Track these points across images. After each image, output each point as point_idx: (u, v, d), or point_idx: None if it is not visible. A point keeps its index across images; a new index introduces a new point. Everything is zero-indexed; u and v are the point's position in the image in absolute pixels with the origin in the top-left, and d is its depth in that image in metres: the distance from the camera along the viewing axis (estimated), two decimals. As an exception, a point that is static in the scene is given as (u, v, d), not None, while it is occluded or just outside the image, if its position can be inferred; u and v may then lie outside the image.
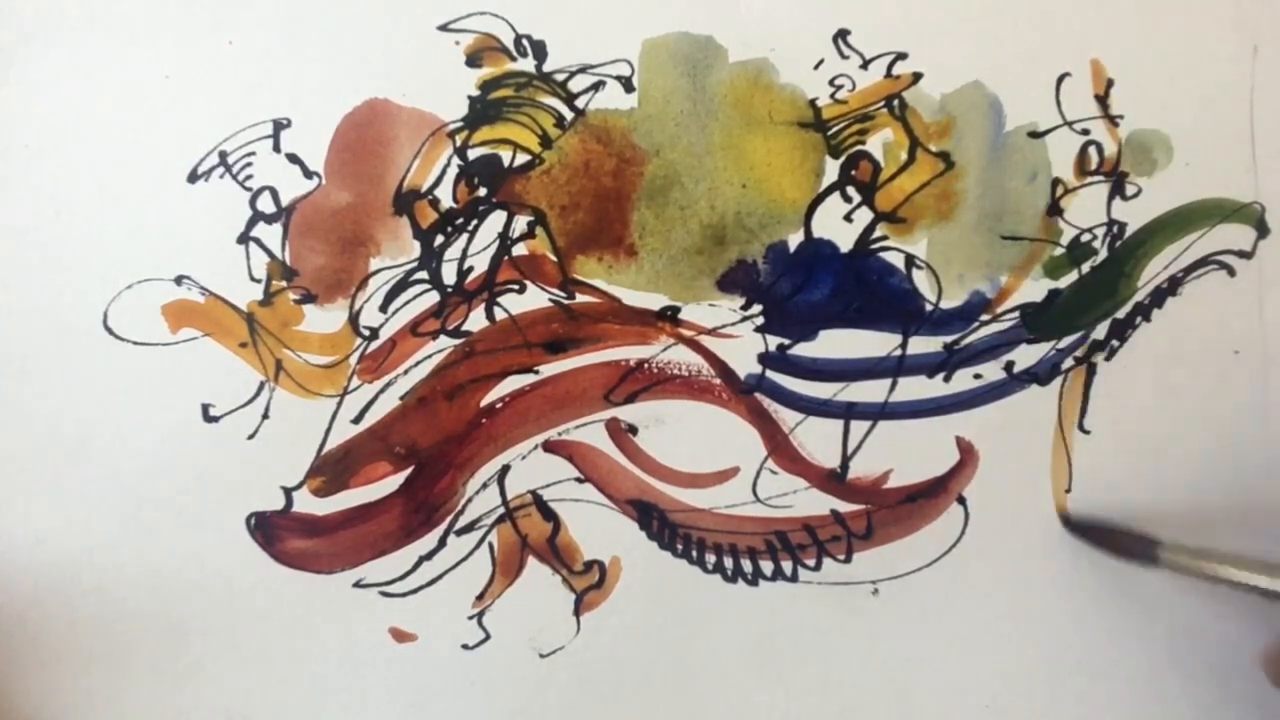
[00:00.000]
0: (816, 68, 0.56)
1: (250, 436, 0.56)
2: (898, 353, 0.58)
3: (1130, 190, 0.58)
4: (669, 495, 0.58)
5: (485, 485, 0.57)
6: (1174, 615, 0.59)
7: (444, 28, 0.55)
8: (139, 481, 0.56)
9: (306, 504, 0.56)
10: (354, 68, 0.55)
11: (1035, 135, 0.58)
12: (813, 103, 0.57)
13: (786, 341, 0.58)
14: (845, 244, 0.57)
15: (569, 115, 0.56)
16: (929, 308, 0.58)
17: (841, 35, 0.56)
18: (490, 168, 0.56)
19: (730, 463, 0.58)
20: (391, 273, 0.56)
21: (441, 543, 0.57)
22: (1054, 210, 0.58)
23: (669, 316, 0.57)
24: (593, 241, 0.57)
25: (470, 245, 0.56)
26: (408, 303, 0.56)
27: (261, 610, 0.57)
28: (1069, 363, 0.59)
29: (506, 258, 0.56)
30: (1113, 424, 0.59)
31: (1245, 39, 0.58)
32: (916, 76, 0.57)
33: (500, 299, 0.56)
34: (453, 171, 0.56)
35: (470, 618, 0.58)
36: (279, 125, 0.55)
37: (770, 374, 0.58)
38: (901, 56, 0.57)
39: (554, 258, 0.56)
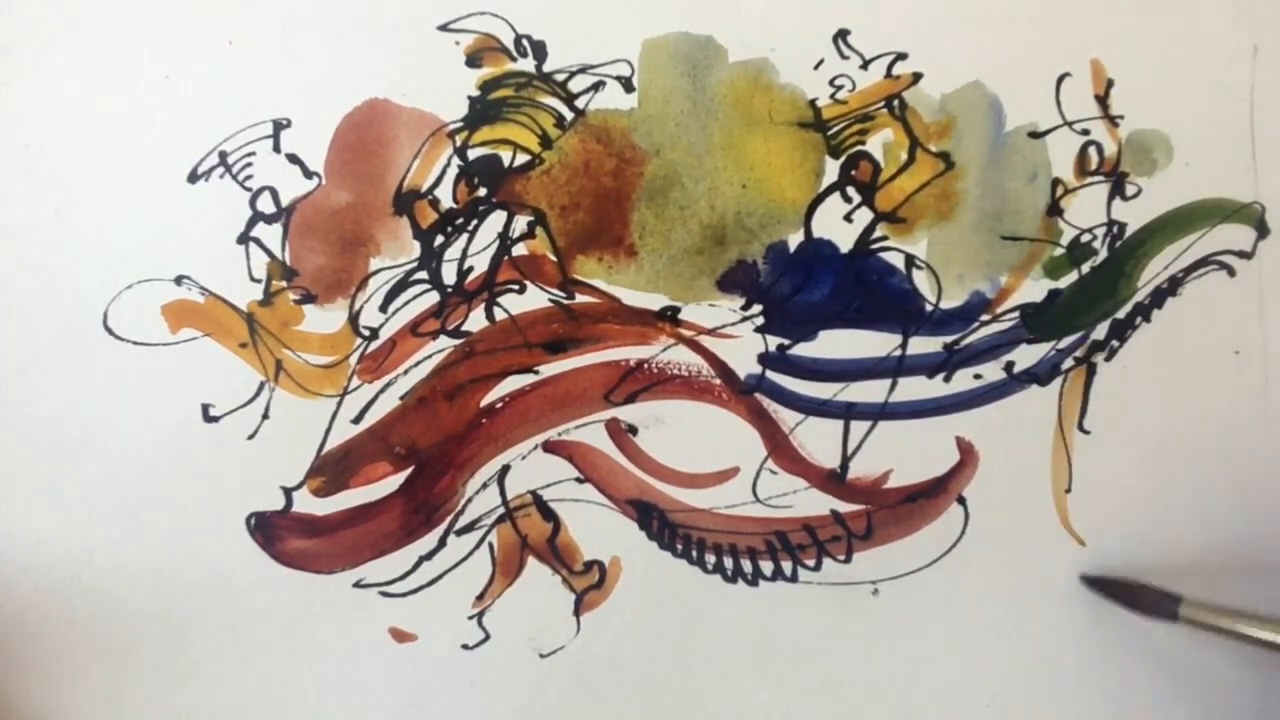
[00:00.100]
0: (816, 68, 0.56)
1: (250, 436, 0.56)
2: (898, 353, 0.58)
3: (1130, 190, 0.58)
4: (669, 495, 0.58)
5: (485, 485, 0.57)
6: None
7: (444, 28, 0.55)
8: (139, 481, 0.56)
9: (306, 504, 0.56)
10: (354, 68, 0.55)
11: (1035, 135, 0.58)
12: (813, 103, 0.57)
13: (786, 341, 0.58)
14: (845, 244, 0.57)
15: (569, 115, 0.56)
16: (929, 308, 0.58)
17: (841, 35, 0.56)
18: (490, 168, 0.56)
19: (730, 463, 0.58)
20: (391, 273, 0.56)
21: (441, 543, 0.57)
22: (1054, 210, 0.58)
23: (669, 316, 0.57)
24: (593, 241, 0.57)
25: (470, 245, 0.56)
26: (408, 303, 0.56)
27: (261, 610, 0.57)
28: (1069, 363, 0.59)
29: (506, 258, 0.56)
30: (1113, 424, 0.59)
31: (1245, 39, 0.58)
32: (916, 76, 0.57)
33: (500, 299, 0.56)
34: (453, 171, 0.56)
35: (470, 618, 0.58)
36: (279, 125, 0.55)
37: (770, 374, 0.58)
38: (901, 56, 0.57)
39: (554, 258, 0.56)
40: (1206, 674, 0.60)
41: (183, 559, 0.56)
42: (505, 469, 0.57)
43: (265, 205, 0.55)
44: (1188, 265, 0.59)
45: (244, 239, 0.55)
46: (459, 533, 0.57)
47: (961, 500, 0.59)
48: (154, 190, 0.55)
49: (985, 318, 0.58)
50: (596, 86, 0.56)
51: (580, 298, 0.57)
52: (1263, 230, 0.59)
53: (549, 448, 0.57)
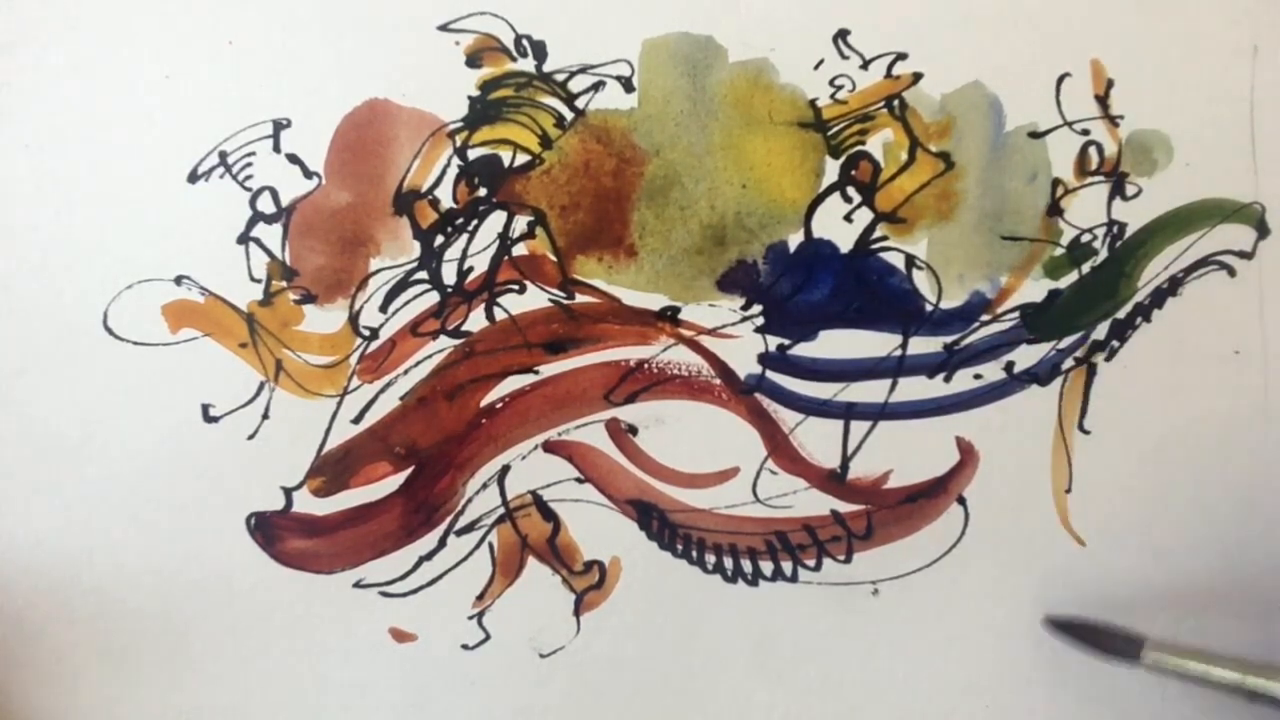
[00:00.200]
0: (816, 68, 0.56)
1: (250, 436, 0.56)
2: (898, 353, 0.58)
3: (1130, 190, 0.58)
4: (669, 495, 0.58)
5: (485, 485, 0.57)
6: (1174, 615, 0.59)
7: (444, 28, 0.55)
8: (139, 481, 0.56)
9: (306, 504, 0.56)
10: (354, 68, 0.55)
11: (1035, 135, 0.58)
12: (813, 103, 0.57)
13: (786, 341, 0.58)
14: (845, 244, 0.57)
15: (569, 115, 0.56)
16: (929, 308, 0.58)
17: (841, 35, 0.56)
18: (490, 168, 0.56)
19: (730, 463, 0.58)
20: (391, 273, 0.56)
21: (441, 543, 0.57)
22: (1054, 210, 0.58)
23: (669, 316, 0.57)
24: (593, 241, 0.57)
25: (470, 245, 0.56)
26: (408, 303, 0.56)
27: (261, 610, 0.57)
28: (1069, 363, 0.59)
29: (506, 258, 0.56)
30: (1113, 424, 0.59)
31: (1245, 39, 0.58)
32: (916, 76, 0.57)
33: (500, 299, 0.56)
34: (453, 171, 0.56)
35: (470, 618, 0.58)
36: (279, 125, 0.55)
37: (770, 374, 0.58)
38: (901, 56, 0.57)
39: (554, 258, 0.56)
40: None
41: (183, 559, 0.56)
42: (505, 469, 0.57)
43: (265, 205, 0.55)
44: (1188, 265, 0.59)
45: (244, 239, 0.55)
46: (459, 533, 0.57)
47: (961, 500, 0.59)
48: (154, 190, 0.55)
49: (985, 318, 0.58)
50: (596, 86, 0.56)
51: (580, 298, 0.57)
52: (1263, 230, 0.59)
53: (549, 448, 0.57)
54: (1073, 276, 0.58)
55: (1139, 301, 0.59)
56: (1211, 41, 0.58)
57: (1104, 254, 0.58)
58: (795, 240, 0.57)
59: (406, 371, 0.56)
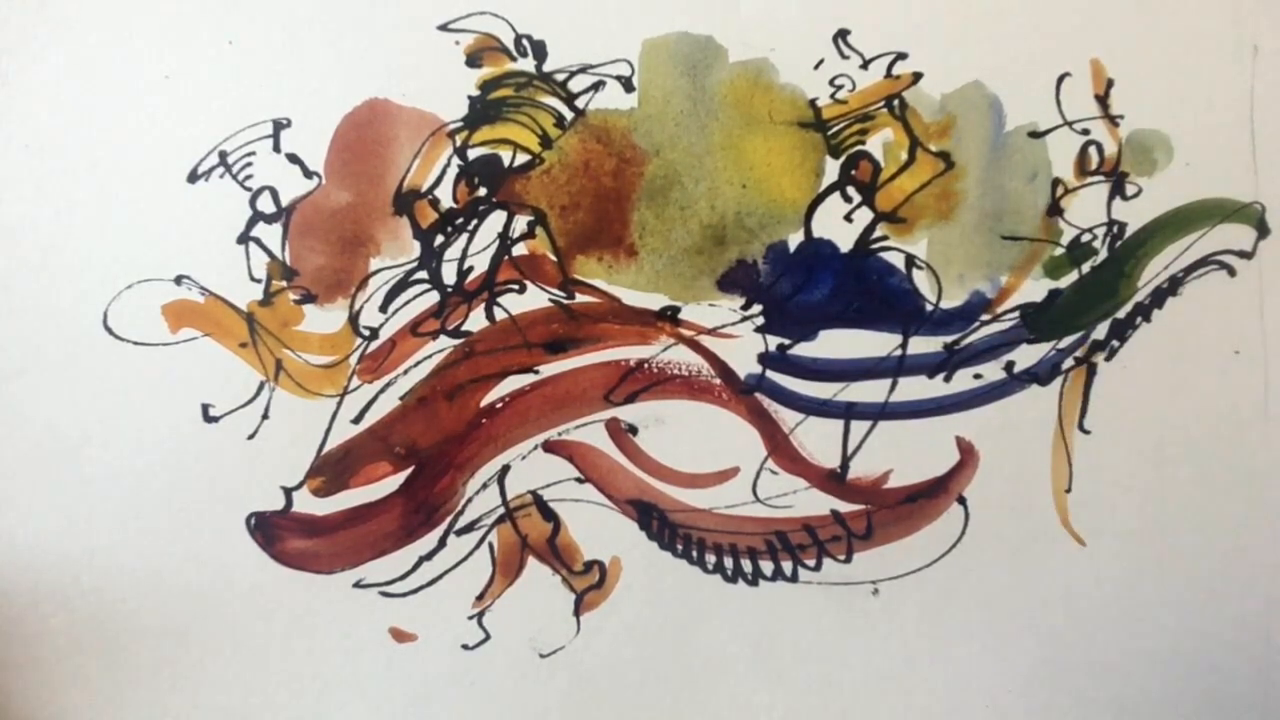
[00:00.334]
0: (816, 68, 0.56)
1: (250, 436, 0.56)
2: (898, 353, 0.58)
3: (1130, 190, 0.58)
4: (669, 495, 0.58)
5: (485, 485, 0.57)
6: (1174, 614, 0.59)
7: (444, 28, 0.55)
8: (139, 481, 0.56)
9: (306, 504, 0.56)
10: (354, 68, 0.55)
11: (1035, 135, 0.58)
12: (813, 103, 0.57)
13: (786, 341, 0.58)
14: (845, 244, 0.57)
15: (569, 115, 0.56)
16: (929, 308, 0.58)
17: (841, 35, 0.56)
18: (490, 168, 0.56)
19: (730, 463, 0.58)
20: (391, 273, 0.56)
21: (441, 543, 0.57)
22: (1054, 210, 0.58)
23: (669, 316, 0.57)
24: (593, 241, 0.57)
25: (470, 245, 0.56)
26: (408, 303, 0.56)
27: (261, 610, 0.57)
28: (1069, 363, 0.59)
29: (506, 258, 0.56)
30: (1113, 424, 0.59)
31: (1245, 39, 0.58)
32: (916, 76, 0.57)
33: (500, 299, 0.56)
34: (453, 171, 0.56)
35: (470, 618, 0.58)
36: (279, 125, 0.55)
37: (770, 374, 0.58)
38: (901, 56, 0.57)
39: (554, 258, 0.56)
40: (1210, 673, 0.60)
41: (183, 559, 0.56)
42: (505, 469, 0.57)
43: (265, 205, 0.55)
44: (1188, 265, 0.59)
45: (244, 239, 0.55)
46: (459, 533, 0.57)
47: (961, 500, 0.59)
48: (154, 190, 0.55)
49: (985, 318, 0.58)
50: (596, 86, 0.56)
51: (580, 298, 0.57)
52: (1263, 230, 0.59)
53: (549, 448, 0.57)
54: (1073, 276, 0.58)
55: (1139, 301, 0.59)
56: (1211, 41, 0.58)
57: (1104, 254, 0.58)
58: (795, 240, 0.57)
59: (406, 371, 0.56)
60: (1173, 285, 0.59)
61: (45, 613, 0.56)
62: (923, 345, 0.58)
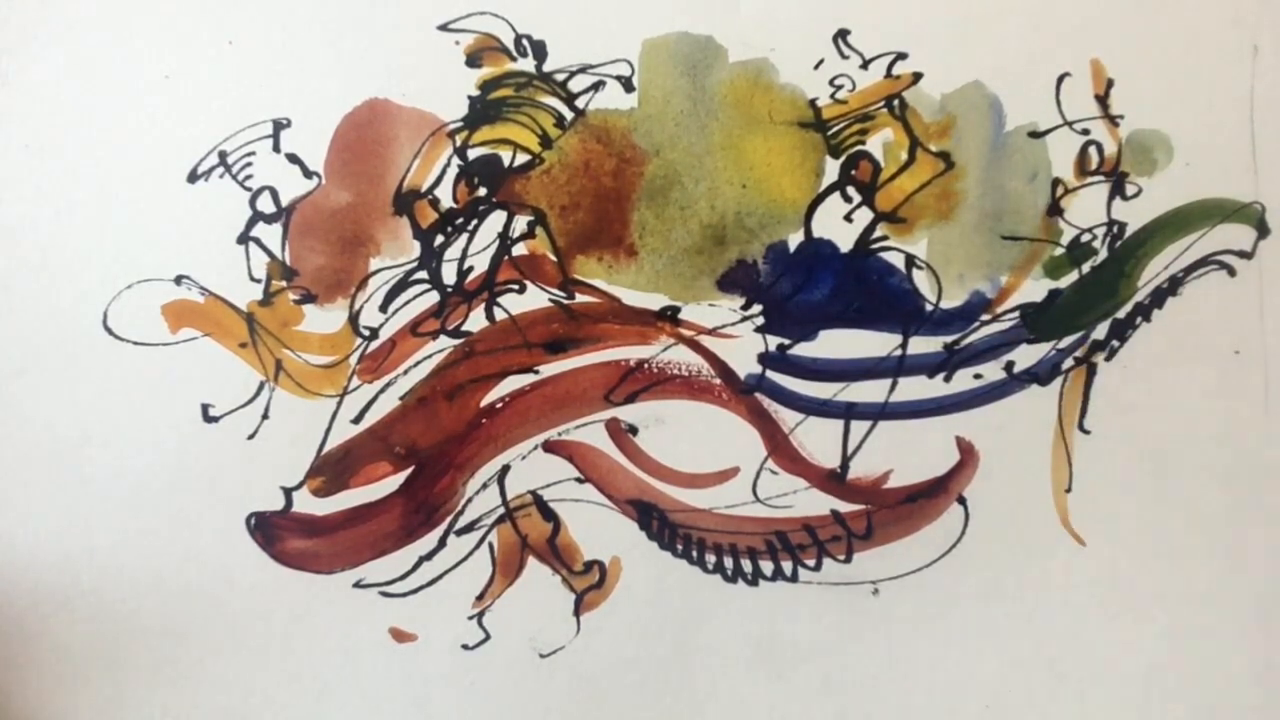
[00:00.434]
0: (816, 68, 0.56)
1: (250, 436, 0.56)
2: (898, 353, 0.58)
3: (1130, 190, 0.58)
4: (669, 495, 0.58)
5: (485, 485, 0.57)
6: (1174, 614, 0.59)
7: (444, 28, 0.55)
8: (139, 481, 0.56)
9: (306, 504, 0.56)
10: (354, 68, 0.55)
11: (1035, 135, 0.58)
12: (813, 103, 0.57)
13: (786, 341, 0.58)
14: (845, 244, 0.57)
15: (569, 115, 0.56)
16: (929, 308, 0.58)
17: (841, 35, 0.56)
18: (490, 168, 0.56)
19: (730, 463, 0.58)
20: (391, 273, 0.56)
21: (441, 543, 0.57)
22: (1054, 210, 0.58)
23: (669, 316, 0.57)
24: (593, 241, 0.57)
25: (470, 245, 0.56)
26: (408, 303, 0.56)
27: (261, 610, 0.57)
28: (1069, 363, 0.59)
29: (506, 258, 0.56)
30: (1113, 424, 0.59)
31: (1245, 39, 0.58)
32: (916, 76, 0.57)
33: (500, 299, 0.56)
34: (453, 171, 0.56)
35: (470, 618, 0.58)
36: (279, 125, 0.55)
37: (770, 374, 0.58)
38: (901, 56, 0.57)
39: (554, 258, 0.56)
40: (1210, 674, 0.60)
41: (182, 559, 0.56)
42: (505, 469, 0.57)
43: (265, 205, 0.55)
44: (1188, 265, 0.59)
45: (244, 239, 0.55)
46: (459, 533, 0.57)
47: (961, 500, 0.59)
48: (154, 190, 0.55)
49: (985, 318, 0.58)
50: (596, 86, 0.56)
51: (580, 298, 0.57)
52: (1263, 230, 0.59)
53: (549, 448, 0.57)
54: (1073, 276, 0.58)
55: (1139, 301, 0.59)
56: (1211, 41, 0.58)
57: (1104, 254, 0.58)
58: (795, 240, 0.57)
59: (406, 371, 0.56)
60: (1173, 285, 0.59)
61: (45, 613, 0.56)
62: (923, 345, 0.58)
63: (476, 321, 0.57)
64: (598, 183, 0.56)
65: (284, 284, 0.56)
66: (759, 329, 0.57)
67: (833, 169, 0.57)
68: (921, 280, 0.58)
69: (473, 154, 0.56)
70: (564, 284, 0.57)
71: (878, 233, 0.57)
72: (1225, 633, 0.59)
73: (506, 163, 0.56)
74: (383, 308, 0.56)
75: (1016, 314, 0.58)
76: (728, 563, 0.58)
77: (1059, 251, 0.58)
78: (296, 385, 0.56)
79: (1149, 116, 0.58)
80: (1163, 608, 0.59)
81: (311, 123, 0.55)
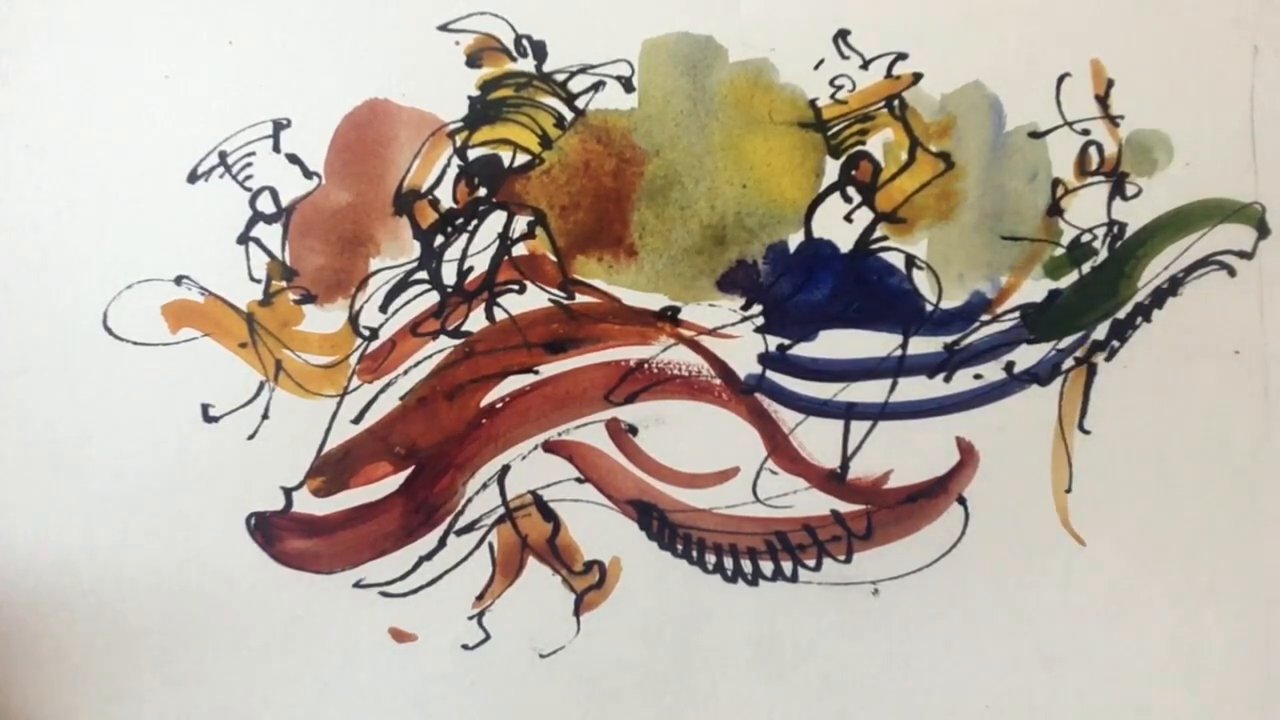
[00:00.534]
0: (816, 68, 0.56)
1: (250, 436, 0.56)
2: (898, 353, 0.58)
3: (1130, 190, 0.58)
4: (669, 495, 0.58)
5: (485, 485, 0.57)
6: (1174, 614, 0.59)
7: (444, 28, 0.55)
8: (139, 481, 0.56)
9: (306, 504, 0.56)
10: (354, 68, 0.55)
11: (1035, 135, 0.58)
12: (813, 103, 0.57)
13: (786, 341, 0.58)
14: (845, 244, 0.57)
15: (569, 115, 0.56)
16: (929, 308, 0.58)
17: (841, 35, 0.56)
18: (490, 168, 0.56)
19: (730, 463, 0.58)
20: (391, 273, 0.56)
21: (441, 543, 0.57)
22: (1054, 210, 0.58)
23: (669, 317, 0.57)
24: (593, 241, 0.57)
25: (470, 245, 0.56)
26: (408, 303, 0.56)
27: (261, 610, 0.57)
28: (1069, 363, 0.59)
29: (506, 258, 0.56)
30: (1113, 424, 0.59)
31: (1245, 39, 0.58)
32: (916, 76, 0.57)
33: (500, 299, 0.56)
34: (453, 171, 0.56)
35: (470, 618, 0.58)
36: (279, 125, 0.55)
37: (770, 374, 0.58)
38: (901, 56, 0.57)
39: (554, 258, 0.56)
40: (1210, 673, 0.60)
41: (183, 559, 0.56)
42: (505, 469, 0.57)
43: (265, 205, 0.55)
44: (1188, 265, 0.59)
45: (244, 239, 0.55)
46: (459, 533, 0.57)
47: (961, 500, 0.59)
48: (154, 190, 0.55)
49: (985, 318, 0.58)
50: (596, 86, 0.56)
51: (580, 298, 0.57)
52: (1263, 230, 0.59)
53: (549, 448, 0.57)
54: (1073, 276, 0.58)
55: (1139, 301, 0.59)
56: (1211, 41, 0.58)
57: (1104, 254, 0.58)
58: (795, 240, 0.57)
59: (406, 371, 0.56)
60: (1173, 285, 0.59)
61: (45, 613, 0.56)
62: (923, 345, 0.58)
63: (476, 321, 0.57)
64: (598, 183, 0.56)
65: (284, 284, 0.56)
66: (759, 329, 0.57)
67: (833, 169, 0.57)
68: (921, 280, 0.58)
69: (473, 154, 0.56)
70: (564, 284, 0.57)
71: (878, 233, 0.57)
72: (1225, 632, 0.59)
73: (506, 163, 0.56)
74: (383, 308, 0.56)
75: (1016, 314, 0.58)
76: (728, 563, 0.58)
77: (1059, 251, 0.58)
78: (296, 385, 0.56)
79: (1149, 116, 0.58)
80: (1163, 608, 0.59)
81: (311, 123, 0.55)
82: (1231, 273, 0.59)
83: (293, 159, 0.55)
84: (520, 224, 0.56)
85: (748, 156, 0.57)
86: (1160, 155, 0.58)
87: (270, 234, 0.55)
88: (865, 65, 0.57)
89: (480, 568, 0.57)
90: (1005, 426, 0.58)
